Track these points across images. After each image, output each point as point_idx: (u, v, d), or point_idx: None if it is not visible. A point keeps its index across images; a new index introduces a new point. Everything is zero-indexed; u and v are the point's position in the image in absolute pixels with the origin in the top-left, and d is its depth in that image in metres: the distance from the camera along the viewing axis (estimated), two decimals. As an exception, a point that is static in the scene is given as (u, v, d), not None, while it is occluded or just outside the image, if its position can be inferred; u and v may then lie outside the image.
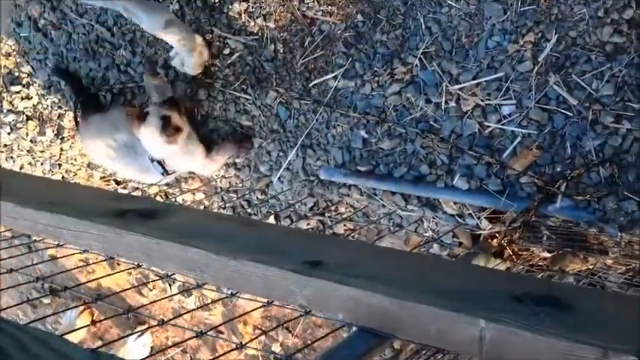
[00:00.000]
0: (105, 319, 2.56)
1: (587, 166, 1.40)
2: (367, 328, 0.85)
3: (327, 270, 0.85)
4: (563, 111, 1.44)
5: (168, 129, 1.85)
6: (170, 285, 2.43)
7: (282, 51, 1.86)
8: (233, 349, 0.98)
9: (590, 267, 1.42)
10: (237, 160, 2.05)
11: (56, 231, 1.09)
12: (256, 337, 2.24)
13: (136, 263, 1.13)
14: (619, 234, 1.36)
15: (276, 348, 2.31)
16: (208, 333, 1.03)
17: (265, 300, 1.04)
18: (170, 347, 2.56)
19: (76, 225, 1.09)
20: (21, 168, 2.71)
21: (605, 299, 0.94)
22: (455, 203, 1.62)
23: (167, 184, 2.22)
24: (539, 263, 1.52)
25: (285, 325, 2.20)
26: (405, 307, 0.79)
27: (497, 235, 1.57)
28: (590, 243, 1.43)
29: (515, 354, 0.74)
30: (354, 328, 0.87)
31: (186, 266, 0.98)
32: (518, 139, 1.50)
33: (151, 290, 2.59)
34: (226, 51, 1.97)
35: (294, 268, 0.88)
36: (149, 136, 1.87)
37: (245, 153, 2.01)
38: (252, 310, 2.04)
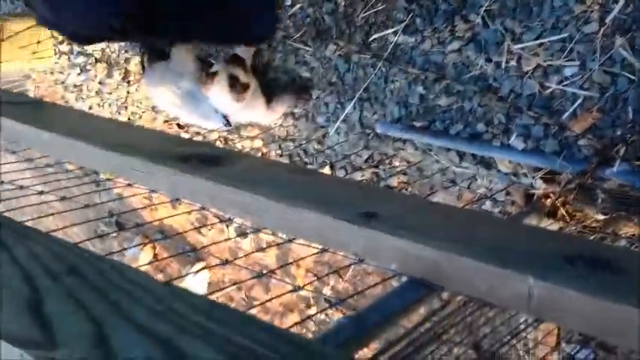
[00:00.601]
0: (168, 257, 2.69)
1: None
2: (417, 279, 0.90)
3: (380, 222, 0.88)
4: (627, 74, 1.41)
5: (237, 87, 1.90)
6: (227, 226, 2.53)
7: (343, 4, 1.87)
8: (289, 292, 1.05)
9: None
10: (295, 110, 2.09)
11: (128, 171, 1.17)
12: (310, 283, 2.33)
13: (199, 206, 1.20)
14: (676, 201, 1.35)
15: (326, 291, 2.41)
16: (264, 274, 1.10)
17: (319, 247, 1.09)
18: (228, 287, 2.69)
19: (145, 167, 1.17)
20: (90, 108, 2.83)
21: None
22: (510, 162, 1.63)
23: (227, 130, 2.29)
24: (593, 225, 1.53)
25: (336, 271, 2.27)
26: (454, 261, 0.82)
27: (551, 195, 1.58)
28: None
29: (564, 314, 0.77)
30: (405, 278, 0.92)
31: (246, 211, 1.04)
32: (579, 101, 1.49)
33: (209, 230, 2.71)
34: (287, 2, 1.98)
35: (348, 219, 0.91)
36: (218, 94, 1.93)
37: (303, 103, 2.05)
38: (305, 257, 2.12)
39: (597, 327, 0.75)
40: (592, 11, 1.44)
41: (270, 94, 2.06)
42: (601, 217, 1.50)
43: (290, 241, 1.02)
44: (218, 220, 2.41)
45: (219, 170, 1.21)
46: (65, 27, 1.43)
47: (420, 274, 0.88)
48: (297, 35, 1.99)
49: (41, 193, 1.20)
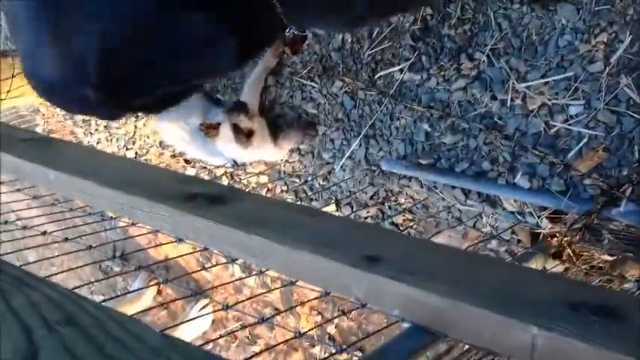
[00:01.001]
0: (174, 300, 2.67)
1: None
2: (421, 325, 0.88)
3: (383, 266, 0.88)
4: (633, 114, 1.41)
5: (241, 136, 1.91)
6: (232, 264, 2.52)
7: (349, 41, 1.89)
8: (292, 338, 1.03)
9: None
10: (301, 146, 2.10)
11: (131, 211, 1.17)
12: (314, 326, 2.31)
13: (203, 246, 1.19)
14: (684, 243, 1.33)
15: (331, 329, 2.38)
16: (266, 314, 1.08)
17: (322, 290, 1.08)
18: (231, 332, 2.66)
19: (149, 206, 1.16)
20: (98, 143, 2.85)
21: None
22: (515, 201, 1.62)
23: (233, 166, 2.30)
24: (599, 266, 1.51)
25: (342, 308, 2.25)
26: (458, 308, 0.81)
27: (557, 235, 1.57)
28: None
29: None
30: (408, 324, 0.90)
31: (249, 253, 1.04)
32: (585, 140, 1.48)
33: (213, 266, 2.69)
34: (295, 39, 2.00)
35: (352, 262, 0.91)
36: (226, 145, 1.95)
37: (309, 140, 2.05)
38: (308, 301, 2.10)
39: None
40: (597, 50, 1.44)
41: (276, 131, 2.07)
42: (608, 257, 1.48)
43: (293, 283, 1.01)
44: (223, 258, 2.40)
45: (223, 210, 1.20)
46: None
47: (423, 321, 0.86)
48: (304, 71, 2.01)
49: (44, 233, 1.20)
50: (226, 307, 1.03)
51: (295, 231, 1.07)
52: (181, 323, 2.55)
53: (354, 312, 2.26)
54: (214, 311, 2.66)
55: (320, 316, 2.38)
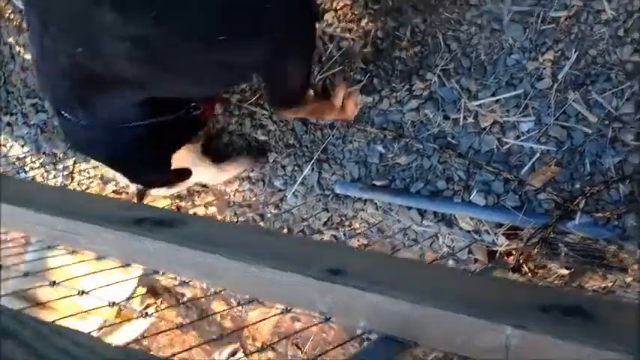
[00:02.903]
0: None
1: (606, 183, 1.41)
2: (389, 336, 0.85)
3: (349, 277, 0.86)
4: (582, 128, 1.45)
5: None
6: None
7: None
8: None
9: (610, 284, 1.42)
10: (251, 174, 2.06)
11: (72, 237, 1.10)
12: None
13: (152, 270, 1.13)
14: (638, 251, 1.36)
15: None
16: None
17: (281, 308, 1.03)
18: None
19: (92, 230, 1.10)
20: (33, 179, 2.72)
21: (630, 311, 0.93)
22: (471, 219, 1.63)
23: (179, 197, 2.23)
24: (557, 280, 1.52)
25: (295, 342, 2.18)
26: (428, 315, 0.78)
27: (513, 252, 1.57)
28: (609, 260, 1.42)
29: None
30: (373, 337, 0.87)
31: (204, 272, 0.99)
32: (537, 155, 1.51)
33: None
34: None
35: (315, 275, 0.88)
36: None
37: (260, 167, 2.02)
38: (258, 321, 2.03)
39: None
40: (545, 68, 1.48)
41: (223, 158, 2.02)
42: (565, 271, 1.49)
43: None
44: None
45: (174, 231, 1.15)
46: None
47: (391, 330, 0.83)
48: (254, 98, 1.98)
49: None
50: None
51: (252, 247, 1.03)
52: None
53: (308, 345, 2.20)
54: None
55: (274, 353, 2.30)
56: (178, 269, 1.12)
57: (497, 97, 1.54)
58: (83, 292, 0.92)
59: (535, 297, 0.84)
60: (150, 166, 1.41)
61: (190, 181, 2.10)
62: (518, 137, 1.53)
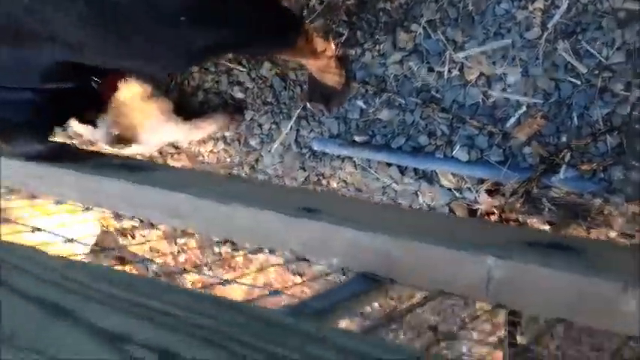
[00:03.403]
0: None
1: (594, 135, 1.37)
2: (365, 273, 0.80)
3: (324, 215, 0.79)
4: (571, 79, 1.41)
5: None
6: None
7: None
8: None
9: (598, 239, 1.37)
10: (226, 134, 1.98)
11: (29, 181, 1.05)
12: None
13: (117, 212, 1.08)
14: (625, 204, 1.32)
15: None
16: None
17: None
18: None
19: (49, 171, 1.05)
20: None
21: (617, 247, 0.89)
22: (453, 176, 1.58)
23: (150, 160, 2.14)
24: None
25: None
26: (408, 249, 0.72)
27: (495, 211, 1.53)
28: (594, 215, 1.38)
29: (526, 295, 0.69)
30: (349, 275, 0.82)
31: (172, 213, 0.94)
32: (523, 108, 1.46)
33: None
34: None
35: (290, 213, 0.83)
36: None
37: (236, 125, 1.94)
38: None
39: (566, 306, 0.67)
40: (534, 17, 1.44)
41: (192, 114, 1.94)
42: (547, 227, 1.45)
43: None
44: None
45: (143, 175, 1.10)
46: None
47: (367, 267, 0.78)
48: (231, 54, 1.91)
49: None
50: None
51: (224, 189, 0.99)
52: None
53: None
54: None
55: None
56: (143, 211, 1.06)
57: (484, 48, 1.49)
58: (37, 230, 0.84)
59: (518, 234, 0.79)
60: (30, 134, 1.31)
61: (162, 141, 2.02)
62: (504, 90, 1.49)
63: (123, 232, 2.35)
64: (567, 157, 1.40)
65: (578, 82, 1.40)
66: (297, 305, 0.84)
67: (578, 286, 0.64)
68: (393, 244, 0.74)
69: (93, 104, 1.49)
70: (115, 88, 1.52)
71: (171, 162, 2.16)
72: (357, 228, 0.77)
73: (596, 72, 1.37)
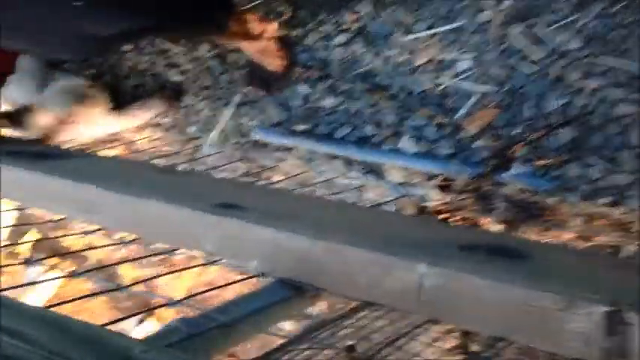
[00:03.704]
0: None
1: (548, 128, 1.26)
2: (285, 279, 0.70)
3: (240, 211, 0.72)
4: (524, 66, 1.29)
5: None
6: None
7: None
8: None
9: (548, 242, 1.27)
10: (164, 120, 1.84)
11: None
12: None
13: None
14: (581, 203, 1.22)
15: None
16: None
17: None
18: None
19: None
20: None
21: (566, 252, 0.80)
22: (401, 170, 1.46)
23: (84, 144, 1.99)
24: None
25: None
26: (330, 250, 0.64)
27: (446, 209, 1.42)
28: (549, 215, 1.28)
29: (460, 308, 0.59)
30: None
31: (79, 207, 0.85)
32: (475, 97, 1.35)
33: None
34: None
35: (203, 208, 0.74)
36: None
37: (174, 112, 1.80)
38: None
39: (503, 322, 0.57)
40: (487, -2, 1.32)
41: (126, 101, 1.80)
42: (499, 227, 1.34)
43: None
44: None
45: (51, 163, 1.01)
46: None
47: (287, 272, 0.69)
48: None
49: None
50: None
51: (137, 181, 0.90)
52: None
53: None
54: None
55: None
56: (48, 204, 0.97)
57: (434, 31, 1.37)
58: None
59: (458, 236, 0.70)
60: None
61: (96, 135, 1.87)
62: (455, 77, 1.37)
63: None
64: (520, 152, 1.29)
65: (532, 70, 1.28)
66: (193, 319, 0.74)
67: (518, 299, 0.55)
68: (313, 245, 0.65)
69: None
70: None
71: (105, 152, 2.00)
72: (275, 226, 0.67)
73: (552, 58, 1.26)
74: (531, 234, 1.28)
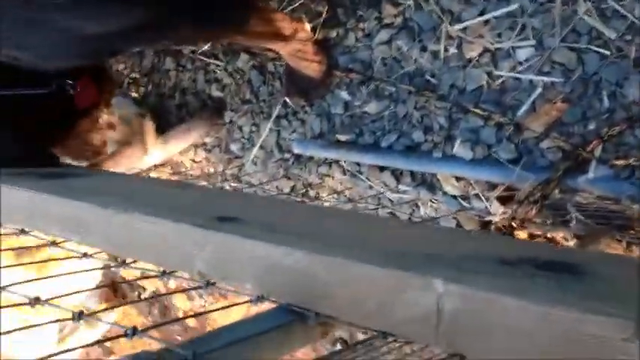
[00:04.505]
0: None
1: (630, 120, 1.03)
2: (285, 304, 0.58)
3: (237, 225, 0.62)
4: (597, 49, 1.08)
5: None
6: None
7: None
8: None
9: (620, 255, 1.04)
10: (207, 140, 1.74)
11: None
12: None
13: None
14: (676, 210, 0.98)
15: None
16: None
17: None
18: None
19: None
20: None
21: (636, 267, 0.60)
22: (457, 179, 1.27)
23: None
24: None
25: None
26: (333, 269, 0.53)
27: (512, 223, 1.21)
28: (635, 226, 1.05)
29: (491, 336, 0.44)
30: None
31: (70, 226, 0.78)
32: (539, 90, 1.14)
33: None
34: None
35: (196, 223, 0.64)
36: None
37: (217, 130, 1.70)
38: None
39: (549, 356, 0.42)
40: (547, -29, 1.12)
41: (166, 123, 1.72)
42: (573, 241, 1.12)
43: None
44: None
45: (53, 182, 0.96)
46: None
47: (286, 295, 0.57)
48: (207, 47, 1.66)
49: None
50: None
51: (134, 196, 0.79)
52: None
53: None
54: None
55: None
56: (42, 224, 0.90)
57: (487, 17, 1.18)
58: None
59: (500, 250, 0.54)
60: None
61: (145, 165, 1.80)
62: (514, 68, 1.17)
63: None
64: (598, 151, 1.07)
65: (607, 52, 1.07)
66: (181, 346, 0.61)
67: (565, 326, 0.41)
68: (311, 261, 0.54)
69: (70, 116, 1.26)
70: (93, 98, 1.28)
71: (154, 174, 1.93)
72: (270, 241, 0.57)
73: (629, 37, 1.04)
74: (613, 250, 1.05)
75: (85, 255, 0.77)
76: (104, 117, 1.39)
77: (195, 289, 0.64)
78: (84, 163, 1.27)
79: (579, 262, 0.48)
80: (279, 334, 0.58)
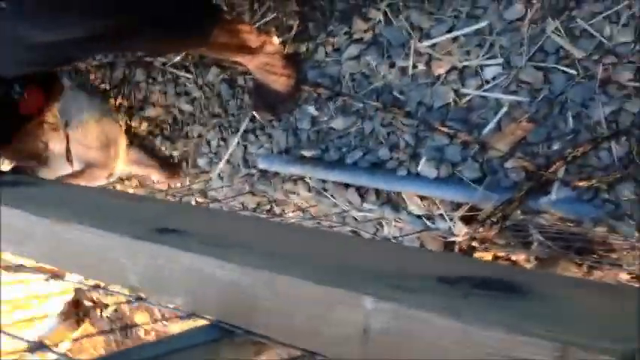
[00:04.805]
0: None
1: (594, 142, 1.01)
2: (216, 322, 0.57)
3: (175, 237, 0.59)
4: (564, 68, 1.06)
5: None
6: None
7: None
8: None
9: (566, 275, 1.01)
10: (173, 153, 1.70)
11: None
12: None
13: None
14: (637, 234, 0.95)
15: None
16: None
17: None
18: None
19: None
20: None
21: (587, 288, 0.57)
22: (422, 199, 1.24)
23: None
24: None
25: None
26: (265, 283, 0.51)
27: (475, 245, 1.18)
28: (596, 249, 1.02)
29: (415, 355, 0.42)
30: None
31: (11, 237, 0.75)
32: (504, 109, 1.12)
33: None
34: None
35: (133, 234, 0.61)
36: None
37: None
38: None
39: None
40: (515, -10, 1.11)
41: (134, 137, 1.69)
42: (533, 263, 1.09)
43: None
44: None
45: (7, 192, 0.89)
46: None
47: (216, 310, 0.56)
48: (178, 59, 1.64)
49: None
50: None
51: (73, 206, 0.75)
52: None
53: None
54: None
55: None
56: None
57: (455, 34, 1.17)
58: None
59: (440, 268, 0.53)
60: None
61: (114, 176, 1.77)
62: (480, 86, 1.16)
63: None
64: (561, 172, 1.05)
65: (574, 72, 1.05)
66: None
67: (495, 348, 0.38)
68: (241, 273, 0.52)
69: (16, 122, 1.22)
70: (39, 104, 1.24)
71: (120, 187, 1.88)
72: (202, 252, 0.54)
73: (597, 57, 1.03)
74: (572, 273, 1.02)
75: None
76: (49, 121, 1.36)
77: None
78: (33, 165, 1.23)
79: (522, 282, 0.45)
80: (207, 351, 0.55)
